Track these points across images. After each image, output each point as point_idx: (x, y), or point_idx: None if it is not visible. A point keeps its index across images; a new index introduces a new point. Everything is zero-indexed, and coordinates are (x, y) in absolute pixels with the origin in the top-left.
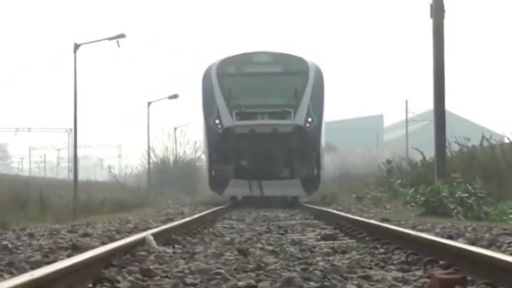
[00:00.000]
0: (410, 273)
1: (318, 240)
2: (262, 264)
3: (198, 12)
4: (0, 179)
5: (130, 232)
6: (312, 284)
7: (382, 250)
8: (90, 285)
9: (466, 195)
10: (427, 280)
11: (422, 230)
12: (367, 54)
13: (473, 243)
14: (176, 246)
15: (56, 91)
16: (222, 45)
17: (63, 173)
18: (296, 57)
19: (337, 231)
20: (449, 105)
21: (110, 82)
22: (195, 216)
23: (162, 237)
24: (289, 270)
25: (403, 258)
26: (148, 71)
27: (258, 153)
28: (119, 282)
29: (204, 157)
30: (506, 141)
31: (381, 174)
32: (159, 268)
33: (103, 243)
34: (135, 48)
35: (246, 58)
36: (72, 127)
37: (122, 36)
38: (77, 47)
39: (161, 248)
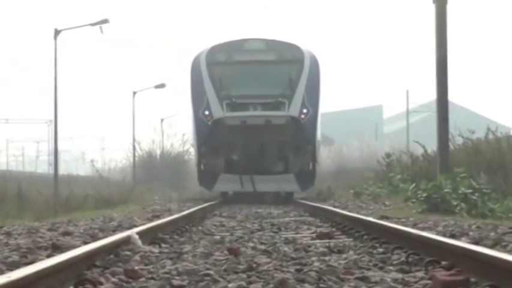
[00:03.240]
0: (410, 274)
1: (313, 239)
2: (254, 265)
3: None
4: None
5: (115, 230)
6: (307, 286)
7: (381, 250)
8: None
9: (470, 191)
10: (429, 282)
11: (423, 228)
12: (366, 42)
13: (477, 243)
14: (163, 245)
15: (36, 80)
16: (213, 33)
17: (43, 167)
18: (290, 45)
19: (334, 229)
20: (453, 96)
21: (93, 71)
22: (183, 213)
23: (148, 236)
24: (282, 271)
25: (403, 259)
26: (134, 60)
27: (250, 146)
28: (101, 284)
29: (192, 150)
30: None
31: (380, 169)
32: (145, 269)
33: (85, 243)
34: (120, 35)
35: (237, 45)
36: (53, 118)
37: (105, 21)
38: (57, 33)
39: (147, 248)
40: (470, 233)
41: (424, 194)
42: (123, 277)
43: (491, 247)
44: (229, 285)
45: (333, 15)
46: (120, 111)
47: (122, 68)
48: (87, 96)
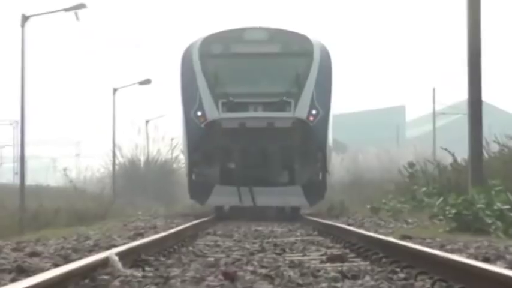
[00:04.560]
0: None
1: (322, 262)
2: None
3: None
4: None
5: (91, 251)
6: None
7: (402, 275)
8: None
9: (508, 207)
10: None
11: (452, 251)
12: (387, 36)
13: None
14: (147, 268)
15: None
16: (206, 24)
17: (7, 176)
18: (297, 34)
19: (347, 250)
20: (487, 95)
21: (67, 66)
22: (171, 231)
23: (130, 258)
24: None
25: (428, 286)
26: (115, 53)
27: (249, 153)
28: None
29: (182, 157)
30: None
31: (401, 180)
32: None
33: (56, 265)
34: (99, 25)
35: (235, 35)
36: (19, 119)
37: (81, 6)
38: (25, 19)
39: (128, 271)
40: (507, 256)
41: (453, 210)
42: None
43: None
44: None
45: (348, 4)
46: (98, 112)
47: (101, 63)
48: (60, 94)
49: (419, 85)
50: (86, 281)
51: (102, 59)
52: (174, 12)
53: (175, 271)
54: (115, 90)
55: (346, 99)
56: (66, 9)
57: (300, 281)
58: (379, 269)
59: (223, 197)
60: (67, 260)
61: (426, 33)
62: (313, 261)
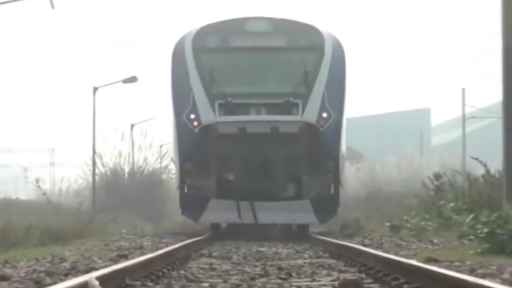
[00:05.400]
0: None
1: None
2: None
3: None
4: None
5: (67, 274)
6: None
7: None
8: None
9: None
10: None
11: (484, 276)
12: (410, 30)
13: None
14: None
15: None
16: (199, 16)
17: None
18: (306, 25)
19: (363, 275)
20: None
21: (40, 64)
22: (160, 252)
23: (112, 282)
24: None
25: None
26: (96, 48)
27: (250, 162)
28: None
29: (173, 167)
30: None
31: (426, 194)
32: None
33: None
34: (77, 15)
35: (234, 26)
36: None
37: None
38: None
39: None
40: None
41: (486, 229)
42: None
43: None
44: None
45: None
46: (76, 115)
47: (80, 60)
48: (32, 96)
49: (447, 85)
50: None
51: (81, 56)
52: (165, 4)
53: None
54: (95, 89)
55: (363, 100)
56: None
57: None
58: None
59: (220, 212)
60: (40, 284)
61: (455, 29)
62: None
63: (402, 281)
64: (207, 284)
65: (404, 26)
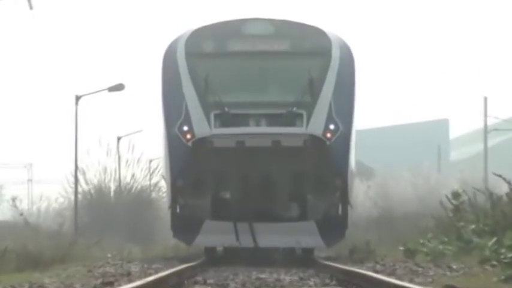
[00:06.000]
0: None
1: None
2: None
3: None
4: None
5: None
6: None
7: None
8: None
9: None
10: None
11: None
12: (427, 35)
13: None
14: None
15: None
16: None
17: None
18: (311, 28)
19: None
20: None
21: (17, 69)
22: (149, 278)
23: None
24: None
25: None
26: (79, 53)
27: (249, 179)
28: None
29: (163, 184)
30: None
31: (444, 215)
32: None
33: None
34: (58, 17)
35: (232, 28)
36: None
37: None
38: None
39: None
40: None
41: (510, 254)
42: None
43: None
44: None
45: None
46: (56, 127)
47: (62, 67)
48: (7, 105)
49: (467, 93)
50: None
51: (63, 61)
52: (156, 4)
53: None
54: (78, 98)
55: (374, 111)
56: None
57: None
58: None
59: (216, 235)
60: None
61: (476, 35)
62: None
63: None
64: None
65: (418, 27)
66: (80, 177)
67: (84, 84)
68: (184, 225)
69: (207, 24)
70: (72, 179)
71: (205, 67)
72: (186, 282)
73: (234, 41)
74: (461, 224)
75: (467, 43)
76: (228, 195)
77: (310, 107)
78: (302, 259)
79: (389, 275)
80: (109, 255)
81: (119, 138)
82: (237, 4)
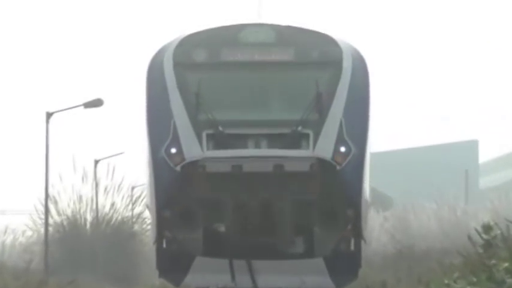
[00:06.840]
0: None
1: None
2: None
3: None
4: None
5: None
6: None
7: None
8: None
9: None
10: None
11: None
12: (449, 41)
13: None
14: None
15: None
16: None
17: None
18: (319, 35)
19: None
20: None
21: None
22: None
23: None
24: None
25: None
26: (51, 65)
27: (247, 209)
28: None
29: (148, 215)
30: None
31: (473, 251)
32: None
33: None
34: (27, 25)
35: (227, 36)
36: None
37: None
38: None
39: None
40: None
41: None
42: None
43: None
44: None
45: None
46: (24, 149)
47: (32, 81)
48: None
49: (498, 112)
50: None
51: (33, 75)
52: (141, 8)
53: None
54: (49, 115)
55: (391, 131)
56: None
57: None
58: None
59: (209, 274)
60: None
61: (505, 45)
62: None
63: None
64: None
65: (441, 36)
66: (51, 206)
67: (56, 100)
68: (172, 262)
69: (198, 31)
70: (41, 209)
71: (196, 80)
72: None
73: (229, 49)
74: (493, 262)
75: (502, 57)
76: (222, 228)
77: (318, 126)
78: None
79: None
80: None
81: (96, 162)
82: (234, 6)
